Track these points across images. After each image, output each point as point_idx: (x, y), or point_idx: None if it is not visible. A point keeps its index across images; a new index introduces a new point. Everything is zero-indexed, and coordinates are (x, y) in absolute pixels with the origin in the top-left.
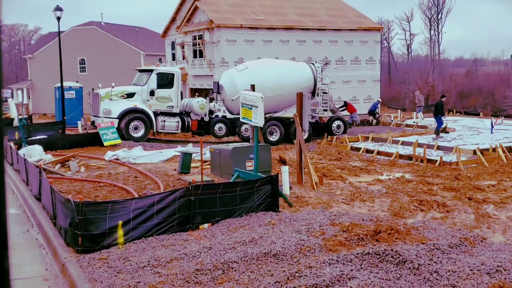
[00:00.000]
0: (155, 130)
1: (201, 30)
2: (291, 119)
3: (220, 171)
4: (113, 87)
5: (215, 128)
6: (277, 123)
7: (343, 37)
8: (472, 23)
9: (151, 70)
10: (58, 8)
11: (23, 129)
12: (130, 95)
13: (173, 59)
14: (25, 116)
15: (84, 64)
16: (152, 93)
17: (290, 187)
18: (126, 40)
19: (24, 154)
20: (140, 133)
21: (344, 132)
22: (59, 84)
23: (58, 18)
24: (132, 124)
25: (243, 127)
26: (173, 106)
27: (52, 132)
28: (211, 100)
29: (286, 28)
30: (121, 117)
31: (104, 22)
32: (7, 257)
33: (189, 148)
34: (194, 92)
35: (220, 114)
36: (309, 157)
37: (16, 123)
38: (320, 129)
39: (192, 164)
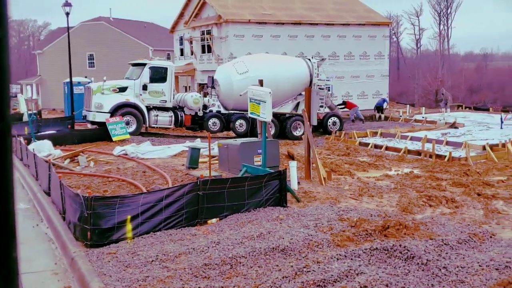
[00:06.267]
0: (147, 125)
1: (209, 25)
2: (287, 115)
3: (228, 166)
4: (104, 80)
5: (209, 123)
6: (273, 118)
7: (351, 32)
8: (482, 17)
9: (144, 64)
10: (67, 4)
11: (32, 124)
12: (123, 89)
13: (182, 54)
14: (35, 112)
15: (93, 60)
16: (145, 87)
17: (298, 182)
18: (135, 35)
19: (33, 149)
20: (132, 128)
21: (340, 129)
22: (68, 80)
23: (67, 14)
24: (124, 118)
25: (238, 122)
26: (166, 101)
27: (61, 127)
28: (205, 94)
29: (294, 23)
30: (112, 111)
31: (112, 17)
32: (15, 247)
33: (197, 143)
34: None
35: (214, 109)
36: (317, 152)
37: (25, 118)
38: (316, 125)
39: (200, 159)
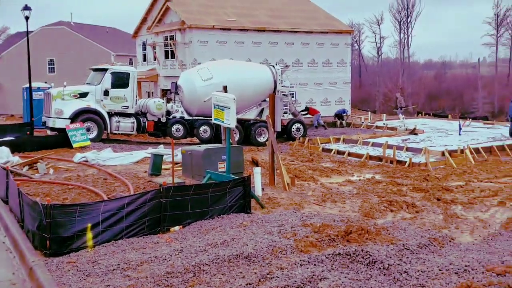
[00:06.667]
0: (109, 131)
1: (173, 31)
2: (251, 121)
3: (192, 172)
4: (65, 86)
5: (173, 129)
6: (237, 124)
7: (314, 40)
8: (440, 27)
9: (106, 69)
10: (27, 8)
11: None
12: (83, 95)
13: (144, 59)
14: None
15: (53, 65)
16: (106, 92)
17: (263, 189)
18: (96, 40)
19: None
20: (93, 134)
21: (304, 135)
22: (27, 85)
23: (27, 18)
24: (85, 125)
25: (201, 128)
26: (128, 106)
27: (20, 134)
28: (169, 100)
29: (258, 29)
30: (73, 117)
31: (73, 22)
32: None
33: (160, 149)
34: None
35: (178, 115)
36: (281, 158)
37: None
38: (280, 131)
39: (164, 166)
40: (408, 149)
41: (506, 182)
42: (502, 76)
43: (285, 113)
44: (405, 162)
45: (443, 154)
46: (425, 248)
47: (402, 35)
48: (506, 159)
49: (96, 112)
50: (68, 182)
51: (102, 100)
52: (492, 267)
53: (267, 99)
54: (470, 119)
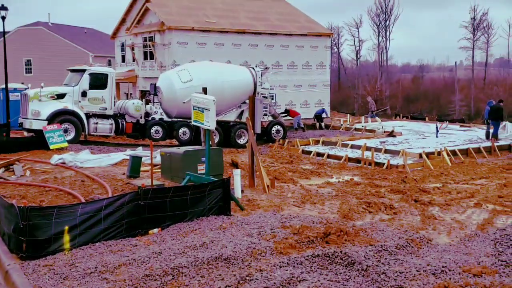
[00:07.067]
0: (86, 133)
1: (152, 32)
2: (231, 123)
3: (171, 175)
4: (42, 87)
5: (152, 131)
6: (217, 126)
7: (294, 42)
8: (418, 30)
9: (84, 70)
10: (3, 7)
11: None
12: (61, 96)
13: (123, 60)
14: None
15: (30, 65)
16: (84, 94)
17: (242, 191)
18: (74, 41)
19: None
20: (70, 136)
21: (284, 137)
22: (3, 86)
23: (3, 18)
24: (62, 126)
25: (181, 130)
26: (106, 108)
27: None
28: (148, 102)
29: (238, 31)
30: (50, 119)
31: (51, 22)
32: None
33: (139, 151)
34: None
35: (157, 116)
36: (261, 160)
37: None
38: (260, 133)
39: (142, 168)
40: (386, 151)
41: (482, 184)
42: (478, 80)
43: (265, 115)
44: (383, 164)
45: (420, 156)
46: (403, 249)
47: (380, 38)
48: (482, 161)
49: (73, 114)
50: (45, 184)
51: (80, 102)
52: (468, 268)
53: (247, 101)
54: (447, 122)
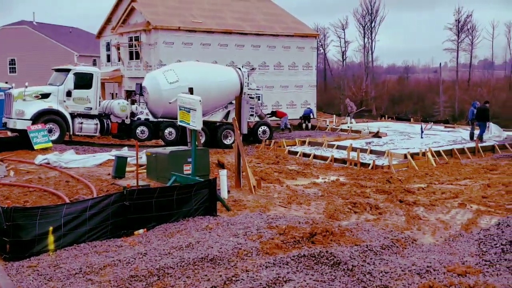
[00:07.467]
0: (71, 133)
1: (138, 32)
2: (217, 123)
3: (156, 175)
4: (26, 86)
5: (137, 131)
6: (203, 127)
7: (281, 43)
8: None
9: (68, 70)
10: None
11: None
12: (45, 96)
13: (108, 60)
14: None
15: (15, 65)
16: (69, 93)
17: (228, 191)
18: (59, 40)
19: None
20: (55, 136)
21: (270, 137)
22: None
23: None
24: (47, 126)
25: (167, 130)
26: (91, 108)
27: None
28: (133, 102)
29: (225, 32)
30: (34, 118)
31: (36, 21)
32: None
33: (125, 151)
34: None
35: (142, 116)
36: (247, 160)
37: None
38: (246, 134)
39: (128, 169)
40: (371, 151)
41: (467, 184)
42: (462, 81)
43: (252, 115)
44: (369, 164)
45: (405, 156)
46: (388, 249)
47: (366, 39)
48: (467, 161)
49: (58, 113)
50: (29, 184)
51: (64, 101)
52: (453, 268)
53: (234, 102)
54: (432, 123)
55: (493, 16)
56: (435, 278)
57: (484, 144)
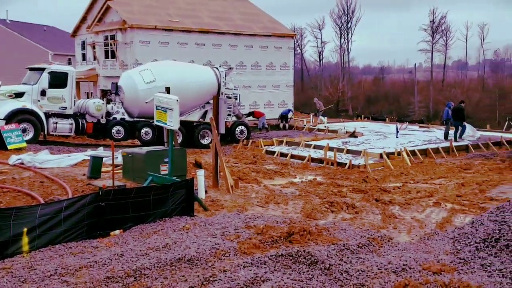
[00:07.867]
0: (46, 133)
1: (114, 31)
2: (194, 123)
3: (133, 175)
4: (0, 85)
5: (113, 131)
6: (181, 126)
7: (258, 43)
8: (379, 33)
9: (43, 69)
10: None
11: None
12: (19, 95)
13: (84, 59)
14: None
15: None
16: (43, 93)
17: (206, 191)
18: (34, 39)
19: None
20: (29, 135)
21: (248, 137)
22: None
23: None
24: (21, 126)
25: (143, 130)
26: (66, 107)
27: None
28: (109, 101)
29: (202, 31)
30: (8, 118)
31: (9, 19)
32: None
33: (100, 151)
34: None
35: (118, 116)
36: (225, 160)
37: None
38: (223, 134)
39: (103, 169)
40: (348, 151)
41: (441, 183)
42: (437, 81)
43: (229, 115)
44: (345, 164)
45: (381, 156)
46: (365, 248)
47: (342, 40)
48: (441, 161)
49: (32, 113)
50: (3, 185)
51: (39, 101)
52: (428, 266)
53: (211, 101)
54: (407, 122)
55: (467, 17)
56: (411, 276)
57: (458, 143)
